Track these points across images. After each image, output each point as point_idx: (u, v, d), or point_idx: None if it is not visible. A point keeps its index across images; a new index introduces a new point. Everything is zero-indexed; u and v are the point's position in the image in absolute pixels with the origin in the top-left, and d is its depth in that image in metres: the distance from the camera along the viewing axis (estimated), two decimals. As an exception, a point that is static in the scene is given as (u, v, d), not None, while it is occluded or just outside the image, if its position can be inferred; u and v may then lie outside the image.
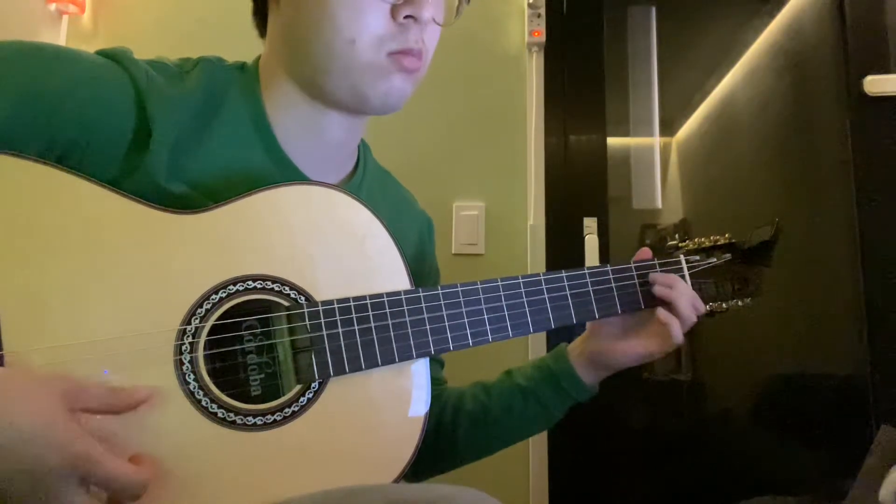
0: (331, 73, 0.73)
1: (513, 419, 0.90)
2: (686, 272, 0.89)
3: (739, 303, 0.91)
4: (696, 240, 0.93)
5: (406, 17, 0.72)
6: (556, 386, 0.89)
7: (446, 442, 0.92)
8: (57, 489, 0.52)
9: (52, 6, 1.83)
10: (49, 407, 0.53)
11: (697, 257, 0.90)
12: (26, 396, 0.53)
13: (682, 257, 0.90)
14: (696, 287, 0.88)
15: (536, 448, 1.63)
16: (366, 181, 0.87)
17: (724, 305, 0.91)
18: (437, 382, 0.97)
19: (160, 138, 0.68)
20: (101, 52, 0.71)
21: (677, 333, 0.83)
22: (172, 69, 0.74)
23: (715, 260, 0.91)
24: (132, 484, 0.55)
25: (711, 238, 0.92)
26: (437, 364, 0.98)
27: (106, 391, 0.59)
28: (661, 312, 0.83)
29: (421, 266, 0.94)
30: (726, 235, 0.92)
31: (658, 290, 0.84)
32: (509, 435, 0.93)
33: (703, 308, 0.86)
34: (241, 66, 0.81)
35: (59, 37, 1.87)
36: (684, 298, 0.83)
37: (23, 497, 0.51)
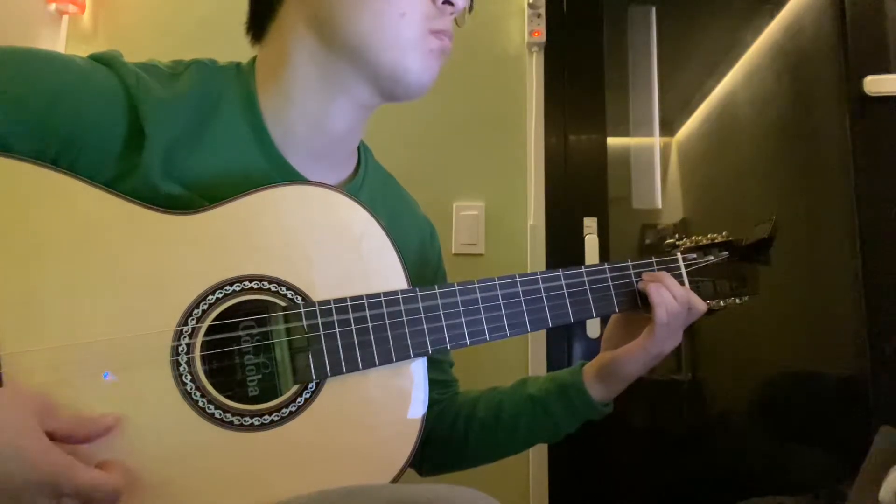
0: (378, 46, 0.76)
1: (520, 428, 0.91)
2: (683, 270, 0.88)
3: (737, 301, 0.91)
4: (693, 238, 0.93)
5: (444, 2, 0.77)
6: (564, 397, 0.88)
7: (457, 448, 0.93)
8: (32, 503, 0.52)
9: (52, 6, 1.83)
10: (18, 422, 0.53)
11: (695, 255, 0.90)
12: None
13: (679, 255, 0.89)
14: (694, 285, 0.88)
15: (536, 447, 1.63)
16: (366, 184, 0.87)
17: (721, 303, 0.90)
18: (446, 384, 0.97)
19: (154, 139, 0.68)
20: (91, 57, 0.72)
21: (661, 314, 0.82)
22: (164, 71, 0.75)
23: (712, 258, 0.90)
24: (105, 492, 0.55)
25: (709, 236, 0.92)
26: (445, 364, 0.98)
27: (73, 419, 0.58)
28: (650, 286, 0.83)
29: (423, 272, 0.94)
30: (724, 233, 0.92)
31: (646, 276, 0.86)
32: (516, 443, 0.93)
33: (684, 296, 0.84)
34: (236, 67, 0.81)
35: (59, 37, 1.87)
36: (662, 287, 0.84)
37: None
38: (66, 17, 1.88)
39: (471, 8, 0.84)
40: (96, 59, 0.71)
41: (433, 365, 0.91)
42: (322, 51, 0.77)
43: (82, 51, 0.71)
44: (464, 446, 0.92)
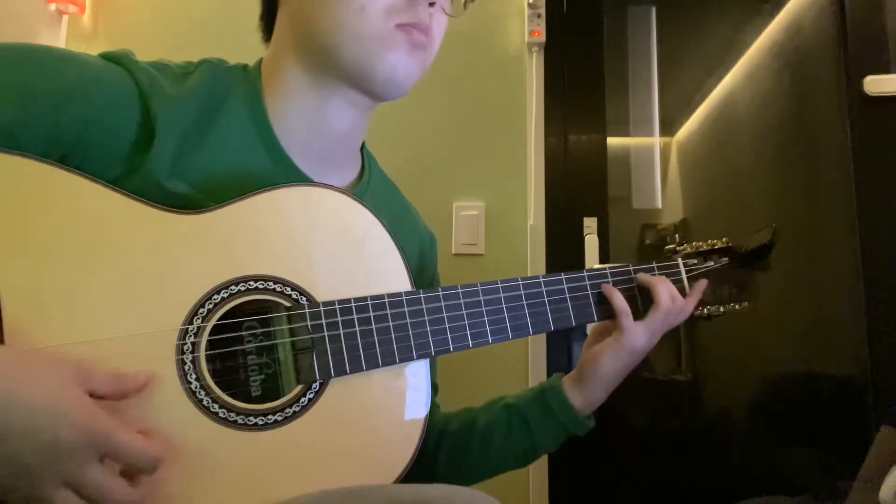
0: (340, 44, 0.74)
1: (494, 439, 0.87)
2: (684, 276, 0.89)
3: (736, 306, 0.91)
4: (693, 243, 0.93)
5: None
6: (541, 402, 0.86)
7: (426, 465, 0.87)
8: (72, 462, 0.53)
9: (52, 6, 1.83)
10: (61, 383, 0.54)
11: (695, 261, 0.91)
12: (38, 373, 0.54)
13: (679, 261, 0.90)
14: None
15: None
16: (370, 189, 0.87)
17: (721, 309, 0.91)
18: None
19: (164, 137, 0.69)
20: (103, 55, 0.72)
21: (619, 302, 0.82)
22: (175, 70, 0.75)
23: (712, 263, 0.91)
24: (146, 457, 0.57)
25: (709, 242, 0.93)
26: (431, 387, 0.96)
27: (112, 376, 0.60)
28: (605, 285, 0.84)
29: (419, 281, 0.92)
30: (724, 239, 0.93)
31: (641, 277, 0.85)
32: (489, 459, 0.88)
33: (681, 300, 0.85)
34: (244, 68, 0.81)
35: (59, 37, 1.87)
36: (662, 282, 0.84)
37: (40, 471, 0.52)
38: (66, 17, 1.88)
39: None
40: (109, 57, 0.71)
41: None
42: (303, 54, 0.78)
43: (82, 51, 0.71)
44: (433, 465, 0.89)
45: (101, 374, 0.59)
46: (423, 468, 0.84)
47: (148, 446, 0.57)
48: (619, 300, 0.83)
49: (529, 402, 0.87)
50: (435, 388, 0.96)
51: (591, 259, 1.71)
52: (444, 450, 0.89)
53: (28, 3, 1.79)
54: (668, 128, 1.88)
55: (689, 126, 1.87)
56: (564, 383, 0.87)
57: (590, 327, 0.90)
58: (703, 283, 0.88)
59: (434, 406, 0.95)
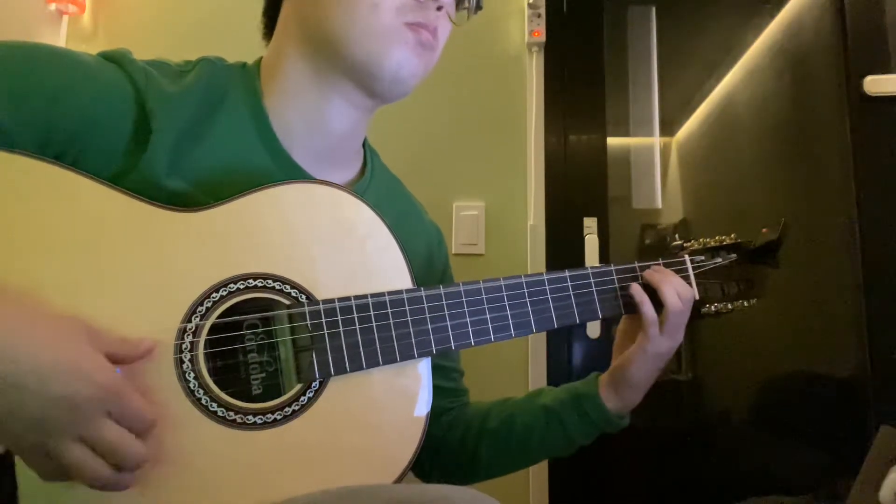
0: (350, 38, 0.75)
1: (534, 440, 0.89)
2: (691, 272, 0.88)
3: (745, 303, 0.90)
4: (700, 240, 0.92)
5: None
6: (578, 407, 0.88)
7: (468, 462, 0.92)
8: (87, 417, 0.53)
9: (52, 6, 1.83)
10: (76, 340, 0.55)
11: (702, 257, 0.90)
12: (53, 329, 0.55)
13: (686, 257, 0.89)
14: (701, 288, 0.88)
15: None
16: (373, 186, 0.87)
17: (729, 306, 0.90)
18: (456, 393, 0.96)
19: (161, 135, 0.69)
20: (100, 54, 0.72)
21: (648, 311, 0.83)
22: (172, 68, 0.75)
23: (720, 260, 0.90)
24: (146, 419, 0.58)
25: (717, 238, 0.92)
26: (455, 373, 0.97)
27: (117, 341, 0.60)
28: (634, 286, 0.84)
29: (429, 278, 0.93)
30: (732, 235, 0.92)
31: (647, 274, 0.85)
32: (528, 456, 0.92)
33: (688, 295, 0.85)
34: (242, 66, 0.81)
35: (59, 37, 1.87)
36: (667, 283, 0.83)
37: (54, 424, 0.52)
38: (66, 18, 1.88)
39: (477, 8, 0.83)
40: (106, 56, 0.72)
41: (441, 372, 0.90)
42: (308, 48, 0.78)
43: (82, 51, 0.71)
44: (474, 460, 0.91)
45: (109, 336, 0.59)
46: (463, 463, 0.91)
47: (148, 409, 0.58)
48: (647, 308, 0.83)
49: (567, 407, 0.89)
50: (460, 373, 0.98)
51: (592, 259, 1.71)
52: (484, 448, 0.91)
53: (28, 3, 1.79)
54: (668, 128, 1.88)
55: (689, 126, 1.87)
56: (601, 390, 0.88)
57: (591, 325, 0.90)
58: (666, 267, 0.88)
59: (462, 392, 0.97)
